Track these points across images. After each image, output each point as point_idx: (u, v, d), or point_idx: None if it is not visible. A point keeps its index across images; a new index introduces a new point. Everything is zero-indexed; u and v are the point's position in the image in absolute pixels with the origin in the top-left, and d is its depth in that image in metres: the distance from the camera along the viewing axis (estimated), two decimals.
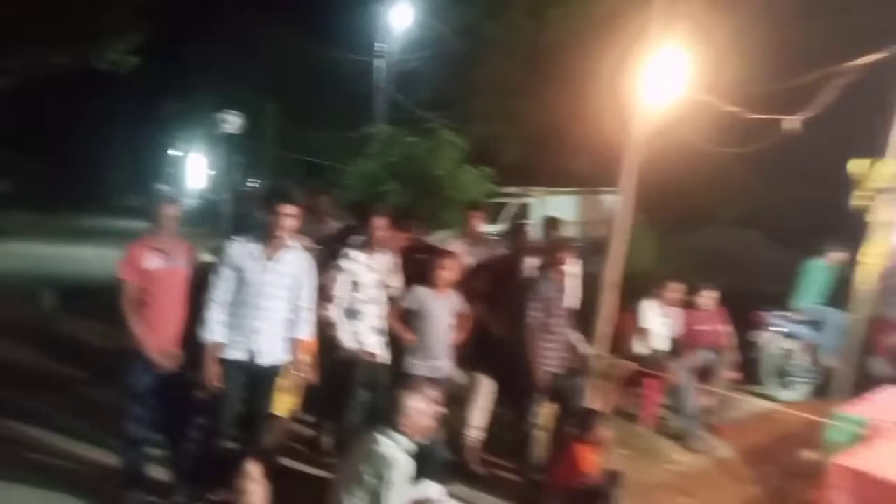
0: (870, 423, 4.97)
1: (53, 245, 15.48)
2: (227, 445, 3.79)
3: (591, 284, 5.99)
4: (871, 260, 5.12)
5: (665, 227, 12.24)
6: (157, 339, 4.08)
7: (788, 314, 7.58)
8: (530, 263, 5.22)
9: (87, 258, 13.45)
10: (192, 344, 4.04)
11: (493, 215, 11.54)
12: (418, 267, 4.90)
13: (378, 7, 17.38)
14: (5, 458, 4.62)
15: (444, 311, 4.75)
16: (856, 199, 5.16)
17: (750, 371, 7.40)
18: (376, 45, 17.82)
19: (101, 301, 4.84)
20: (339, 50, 18.44)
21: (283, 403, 4.42)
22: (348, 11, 18.92)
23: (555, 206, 14.58)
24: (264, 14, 21.61)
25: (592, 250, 7.05)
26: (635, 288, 6.78)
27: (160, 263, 4.14)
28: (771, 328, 7.55)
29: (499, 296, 5.06)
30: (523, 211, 13.48)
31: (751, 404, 7.04)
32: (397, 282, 4.91)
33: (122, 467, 4.23)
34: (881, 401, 5.57)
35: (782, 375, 7.52)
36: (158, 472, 4.32)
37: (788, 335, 7.51)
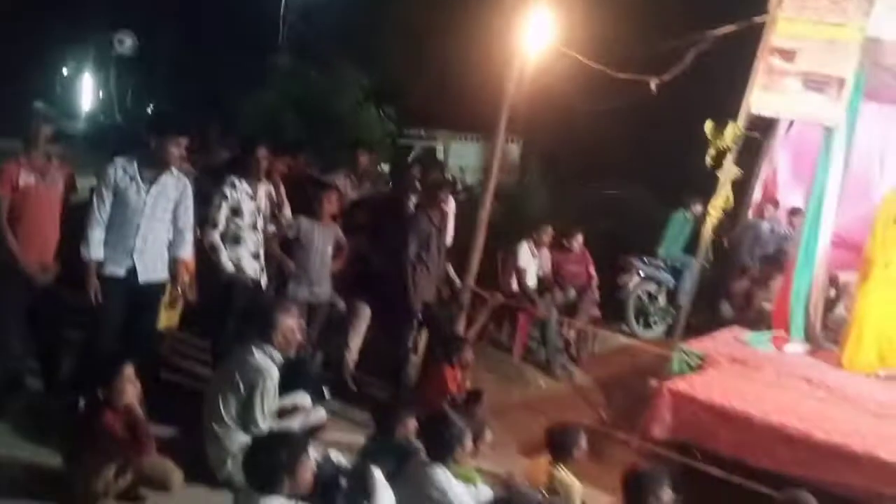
0: (705, 356, 5.68)
1: None
2: (104, 355, 3.95)
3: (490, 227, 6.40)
4: (715, 213, 5.71)
5: (564, 177, 12.76)
6: (33, 253, 4.17)
7: (653, 260, 8.29)
8: (412, 201, 5.54)
9: None
10: (69, 259, 4.16)
11: (399, 157, 11.72)
12: (305, 198, 5.13)
13: None
14: None
15: (324, 240, 5.01)
16: (709, 157, 5.70)
17: (616, 310, 8.09)
18: None
19: None
20: None
21: (163, 319, 4.60)
22: None
23: (459, 151, 14.85)
24: None
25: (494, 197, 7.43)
26: (525, 231, 7.28)
27: (34, 181, 4.20)
28: (636, 272, 8.23)
29: (380, 230, 5.37)
30: (429, 154, 13.69)
31: (612, 339, 7.71)
32: (287, 212, 5.12)
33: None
34: (720, 338, 6.33)
35: (644, 315, 8.24)
36: (35, 381, 4.45)
37: (651, 279, 8.23)
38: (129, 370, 3.49)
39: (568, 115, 10.34)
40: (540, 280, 7.09)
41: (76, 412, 3.53)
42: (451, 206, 5.87)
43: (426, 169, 6.07)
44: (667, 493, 3.38)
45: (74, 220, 4.33)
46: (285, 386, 3.89)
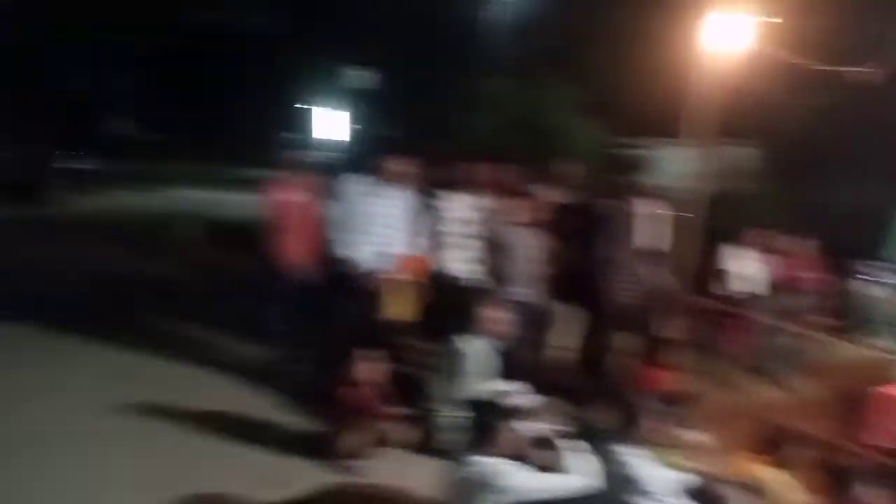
0: None
1: (205, 190, 17.46)
2: (347, 339, 4.73)
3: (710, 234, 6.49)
4: None
5: (793, 180, 12.15)
6: (296, 256, 5.21)
7: (883, 264, 7.69)
8: (607, 204, 5.77)
9: (233, 202, 15.17)
10: (325, 261, 5.15)
11: (610, 166, 11.86)
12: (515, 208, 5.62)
13: None
14: (175, 352, 5.89)
15: (527, 245, 5.43)
16: None
17: (844, 317, 7.60)
18: None
19: (242, 235, 6.00)
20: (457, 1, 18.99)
21: (399, 312, 5.27)
22: None
23: (674, 158, 14.55)
24: None
25: (712, 202, 7.44)
26: (740, 235, 7.16)
27: (293, 198, 5.20)
28: (866, 277, 7.68)
29: (577, 234, 5.68)
30: (643, 162, 13.62)
31: (840, 348, 7.25)
32: (497, 219, 5.64)
33: (271, 356, 5.48)
34: None
35: (874, 322, 7.65)
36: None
37: (882, 283, 7.63)
38: (365, 353, 4.20)
39: (790, 117, 9.87)
40: (764, 284, 6.91)
41: (327, 386, 4.33)
42: (646, 209, 5.96)
43: (622, 174, 6.25)
44: (869, 491, 3.34)
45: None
46: (495, 374, 4.38)
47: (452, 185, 5.55)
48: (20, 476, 3.93)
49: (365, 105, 24.47)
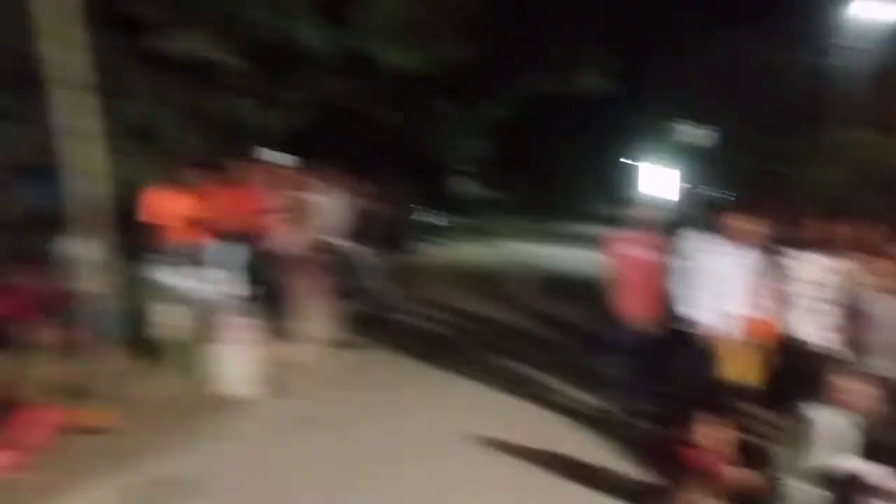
0: None
1: (537, 245, 18.66)
2: (691, 397, 4.76)
3: None
4: None
5: None
6: (635, 308, 5.42)
7: None
8: None
9: (564, 256, 15.99)
10: (665, 317, 5.30)
11: None
12: (876, 274, 5.15)
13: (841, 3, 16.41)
14: (516, 391, 6.45)
15: (891, 314, 4.91)
16: None
17: None
18: (837, 41, 16.77)
19: (578, 288, 6.31)
20: (796, 49, 17.75)
21: (740, 374, 5.12)
22: (809, 9, 17.97)
23: None
24: (721, 21, 21.53)
25: None
26: None
27: (634, 252, 5.50)
28: None
29: None
30: None
31: None
32: (855, 283, 5.23)
33: (607, 406, 5.77)
34: None
35: None
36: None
37: None
38: (707, 416, 4.21)
39: None
40: None
41: (664, 443, 4.42)
42: None
43: None
44: None
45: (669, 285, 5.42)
46: (851, 450, 4.07)
47: (803, 243, 5.32)
48: (369, 485, 4.59)
49: (699, 161, 23.96)
